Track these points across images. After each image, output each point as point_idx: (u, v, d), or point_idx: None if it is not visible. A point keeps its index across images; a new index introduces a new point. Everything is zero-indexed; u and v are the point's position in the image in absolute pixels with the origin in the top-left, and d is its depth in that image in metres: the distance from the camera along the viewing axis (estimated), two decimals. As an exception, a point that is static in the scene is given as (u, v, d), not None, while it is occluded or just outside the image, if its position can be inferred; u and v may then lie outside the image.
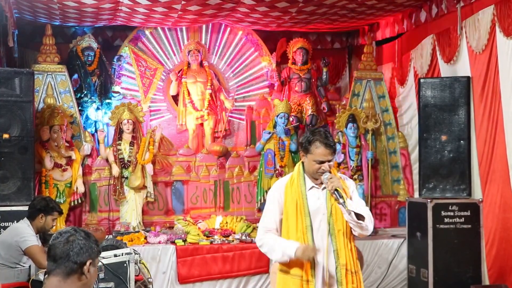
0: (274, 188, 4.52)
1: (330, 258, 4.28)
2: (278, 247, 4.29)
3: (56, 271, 2.71)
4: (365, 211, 4.32)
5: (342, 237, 4.29)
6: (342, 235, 4.29)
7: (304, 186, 4.37)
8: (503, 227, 7.14)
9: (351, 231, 4.33)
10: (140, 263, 5.46)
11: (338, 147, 8.97)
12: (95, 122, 9.12)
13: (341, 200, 4.17)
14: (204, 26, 9.75)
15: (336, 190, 4.18)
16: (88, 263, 2.73)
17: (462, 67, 7.86)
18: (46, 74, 8.63)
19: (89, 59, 9.08)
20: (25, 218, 6.07)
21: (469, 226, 7.56)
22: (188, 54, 9.54)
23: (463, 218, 7.58)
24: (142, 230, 8.33)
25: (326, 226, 4.29)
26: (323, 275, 4.26)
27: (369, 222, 4.31)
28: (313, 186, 4.38)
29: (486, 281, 7.43)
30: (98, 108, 9.11)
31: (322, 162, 4.28)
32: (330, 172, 4.30)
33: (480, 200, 7.56)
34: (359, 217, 4.26)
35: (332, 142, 4.29)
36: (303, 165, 4.42)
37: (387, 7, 8.56)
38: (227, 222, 8.60)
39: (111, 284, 5.00)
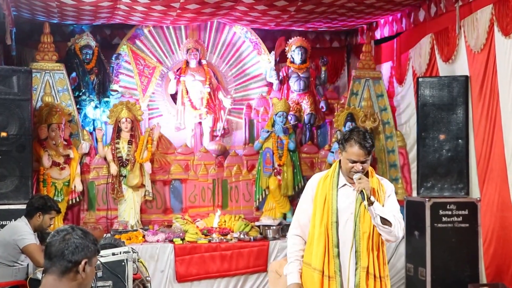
0: (309, 183, 4.56)
1: (352, 259, 4.27)
2: (289, 264, 4.45)
3: (51, 270, 2.70)
4: (394, 217, 4.28)
5: (367, 240, 4.26)
6: (367, 237, 4.26)
7: (336, 183, 4.39)
8: (500, 226, 7.15)
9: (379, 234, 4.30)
10: (138, 261, 5.45)
11: (337, 145, 8.94)
12: (93, 120, 9.12)
13: (365, 202, 4.19)
14: (202, 25, 9.74)
15: (362, 191, 4.19)
16: (83, 262, 2.71)
17: (461, 66, 7.86)
18: (44, 72, 8.61)
19: (87, 58, 9.07)
20: (23, 216, 6.07)
21: (467, 225, 7.57)
22: (187, 52, 9.54)
23: (461, 217, 7.59)
24: (140, 228, 8.33)
25: (352, 226, 4.29)
26: (344, 274, 4.27)
27: (398, 229, 4.27)
28: (345, 184, 4.38)
29: (483, 279, 7.44)
30: (96, 107, 9.10)
31: (355, 162, 4.28)
32: (362, 173, 4.29)
33: (478, 199, 7.56)
34: (386, 222, 4.23)
35: (368, 143, 4.26)
36: (340, 163, 4.44)
37: (386, 6, 8.56)
38: (225, 221, 8.61)
39: (109, 282, 4.98)
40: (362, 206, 4.27)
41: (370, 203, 4.19)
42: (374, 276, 4.26)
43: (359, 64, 9.58)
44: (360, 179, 4.22)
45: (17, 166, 7.35)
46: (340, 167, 4.42)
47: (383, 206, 4.29)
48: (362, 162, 4.28)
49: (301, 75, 9.74)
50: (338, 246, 4.27)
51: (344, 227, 4.30)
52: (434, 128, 7.89)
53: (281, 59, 10.04)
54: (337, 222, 4.30)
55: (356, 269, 4.25)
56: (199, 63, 9.59)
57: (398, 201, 9.07)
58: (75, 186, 8.43)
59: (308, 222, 4.43)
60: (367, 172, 4.39)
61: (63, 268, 2.69)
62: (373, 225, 4.26)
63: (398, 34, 9.50)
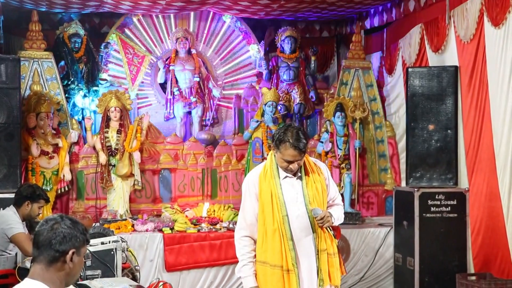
0: (248, 180, 4.51)
1: (311, 245, 4.31)
2: (242, 267, 4.43)
3: (39, 258, 2.69)
4: (341, 212, 4.53)
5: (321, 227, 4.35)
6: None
7: (278, 176, 4.38)
8: (488, 216, 7.19)
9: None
10: (127, 251, 5.45)
11: (326, 135, 8.98)
12: (82, 109, 9.08)
13: (331, 233, 4.36)
14: (192, 14, 9.71)
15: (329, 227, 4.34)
16: (70, 252, 2.69)
17: (450, 56, 7.87)
18: (32, 60, 8.56)
19: (76, 46, 9.03)
20: (12, 205, 6.04)
21: (455, 215, 7.60)
22: (176, 41, 9.51)
23: (449, 207, 7.62)
24: (129, 218, 8.32)
25: (306, 215, 4.31)
26: (302, 265, 4.30)
27: (343, 217, 4.56)
28: (286, 176, 4.38)
29: (471, 269, 7.48)
30: (85, 96, 9.06)
31: (290, 162, 4.28)
32: (296, 170, 4.35)
33: (467, 189, 7.59)
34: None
35: (302, 143, 4.23)
36: (274, 156, 4.42)
37: (376, -4, 8.57)
38: (214, 210, 8.60)
39: (98, 271, 4.98)
40: (309, 192, 4.34)
41: (334, 236, 4.39)
42: (333, 254, 4.38)
43: (349, 54, 9.59)
44: (321, 219, 4.26)
45: (5, 155, 7.32)
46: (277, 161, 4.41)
47: (325, 190, 4.43)
48: (298, 161, 4.30)
49: (290, 65, 9.73)
50: (292, 239, 4.28)
51: (297, 217, 4.31)
52: (424, 118, 7.90)
53: (271, 48, 10.03)
54: (287, 215, 4.30)
55: (317, 254, 4.30)
56: (189, 52, 9.56)
57: (387, 191, 9.18)
58: (64, 175, 8.40)
59: (255, 220, 4.40)
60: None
61: (50, 257, 2.68)
62: (324, 209, 4.38)
63: (388, 24, 9.50)
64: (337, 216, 4.44)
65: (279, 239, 4.27)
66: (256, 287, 4.35)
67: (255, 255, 4.39)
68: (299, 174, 4.39)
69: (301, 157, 4.28)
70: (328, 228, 4.35)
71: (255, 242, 4.41)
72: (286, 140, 4.22)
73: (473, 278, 7.09)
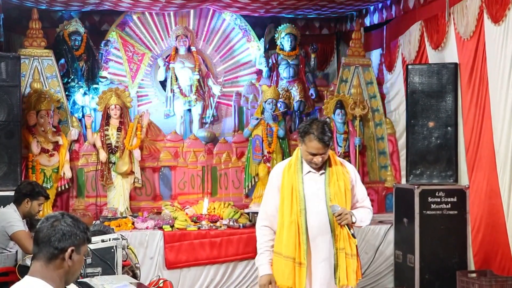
0: (273, 173, 4.60)
1: (328, 242, 4.37)
2: (259, 255, 4.49)
3: (39, 256, 2.69)
4: (367, 214, 4.57)
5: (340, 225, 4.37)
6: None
7: (301, 171, 4.44)
8: (489, 213, 7.19)
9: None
10: (127, 248, 5.45)
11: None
12: (82, 107, 9.08)
13: (351, 232, 4.37)
14: (192, 11, 9.70)
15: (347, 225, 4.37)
16: (69, 250, 2.69)
17: (450, 53, 7.87)
18: (32, 58, 8.56)
19: (76, 44, 9.03)
20: (12, 203, 6.05)
21: (456, 212, 7.60)
22: (176, 39, 9.50)
23: (449, 204, 7.61)
24: (130, 215, 8.32)
25: (325, 212, 4.36)
26: (315, 260, 4.35)
27: (370, 220, 4.62)
28: (310, 171, 4.44)
29: (471, 266, 7.49)
30: (85, 93, 9.06)
31: (314, 154, 4.33)
32: (322, 162, 4.38)
33: (467, 186, 7.59)
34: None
35: (327, 137, 4.29)
36: (301, 150, 4.48)
37: (376, -7, 8.56)
38: (214, 208, 8.60)
39: (98, 269, 4.98)
40: (330, 190, 4.38)
41: (354, 236, 4.40)
42: (351, 255, 4.40)
43: (348, 51, 9.58)
44: (339, 215, 4.30)
45: (5, 153, 7.32)
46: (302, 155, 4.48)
47: (349, 190, 4.46)
48: (322, 154, 4.34)
49: (290, 62, 9.73)
50: (307, 233, 4.34)
51: (317, 213, 4.36)
52: (423, 115, 7.90)
53: (271, 46, 10.02)
54: (305, 209, 4.36)
55: (335, 252, 4.35)
56: (189, 50, 9.56)
57: (387, 188, 9.18)
58: (64, 173, 8.41)
59: (276, 212, 4.46)
60: (328, 157, 4.46)
61: (49, 254, 2.68)
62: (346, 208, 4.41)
63: (388, 21, 9.50)
64: (361, 217, 4.48)
65: (294, 232, 4.34)
66: (269, 274, 4.40)
67: (273, 245, 4.46)
68: (323, 171, 4.43)
69: (324, 151, 4.33)
70: (347, 227, 4.37)
71: (274, 233, 4.48)
72: (311, 132, 4.29)
73: (474, 275, 7.10)
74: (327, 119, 8.63)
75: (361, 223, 4.50)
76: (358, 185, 4.59)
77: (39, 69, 8.57)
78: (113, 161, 8.53)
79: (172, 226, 8.02)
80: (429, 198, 7.62)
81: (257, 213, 8.29)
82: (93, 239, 5.04)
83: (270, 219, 4.49)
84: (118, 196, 8.48)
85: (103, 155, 8.47)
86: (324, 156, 4.36)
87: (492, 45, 6.97)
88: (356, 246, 4.49)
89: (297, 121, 9.69)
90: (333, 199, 4.36)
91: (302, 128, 4.40)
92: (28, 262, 5.24)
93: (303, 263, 4.31)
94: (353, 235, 4.41)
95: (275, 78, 9.79)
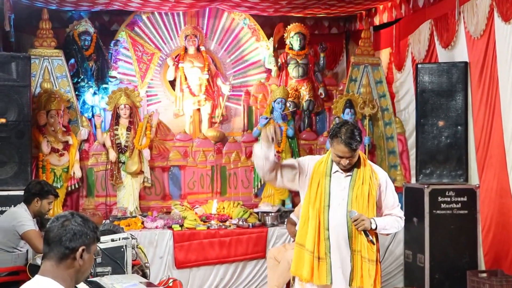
0: (310, 159, 4.69)
1: (346, 243, 4.43)
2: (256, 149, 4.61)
3: (49, 255, 2.70)
4: (394, 222, 4.57)
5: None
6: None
7: (330, 168, 4.52)
8: (499, 212, 7.16)
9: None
10: (137, 248, 5.46)
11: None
12: (92, 107, 9.10)
13: (369, 238, 4.39)
14: (201, 11, 9.71)
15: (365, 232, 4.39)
16: (80, 250, 2.70)
17: (460, 52, 7.84)
18: (42, 58, 8.59)
19: (86, 44, 9.04)
20: (22, 202, 6.07)
21: (466, 211, 7.59)
22: (185, 39, 9.51)
23: (459, 204, 7.60)
24: (139, 215, 8.34)
25: (344, 212, 4.43)
26: (334, 256, 4.42)
27: (399, 227, 4.62)
28: (337, 171, 4.52)
29: (482, 266, 7.46)
30: (95, 93, 9.08)
31: (341, 157, 4.41)
32: (351, 165, 4.46)
33: (477, 185, 7.57)
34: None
35: (354, 141, 4.34)
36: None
37: (385, -8, 8.54)
38: (224, 207, 8.62)
39: (108, 268, 4.99)
40: (353, 193, 4.45)
41: (372, 243, 4.41)
42: (369, 260, 4.42)
43: (358, 51, 9.57)
44: (355, 221, 4.35)
45: (16, 153, 7.35)
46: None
47: (374, 196, 4.47)
48: (348, 157, 4.40)
49: (299, 62, 9.72)
50: (328, 229, 4.41)
51: (336, 212, 4.44)
52: (433, 114, 7.89)
53: (280, 45, 10.01)
54: (329, 206, 4.44)
55: (351, 254, 4.41)
56: (198, 49, 9.56)
57: (397, 188, 9.15)
58: (74, 173, 8.43)
59: (291, 165, 4.62)
60: (359, 159, 4.52)
61: (60, 254, 2.69)
62: (365, 213, 4.43)
63: (397, 20, 9.47)
64: (384, 224, 4.50)
65: (317, 226, 4.43)
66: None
67: (278, 162, 4.63)
68: (350, 173, 4.50)
69: (351, 155, 4.39)
70: (364, 233, 4.39)
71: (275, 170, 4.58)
72: (339, 136, 4.37)
73: (484, 275, 7.08)
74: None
75: (385, 230, 4.52)
76: (389, 192, 4.60)
77: (49, 69, 8.60)
78: (122, 161, 8.55)
79: (181, 226, 8.03)
80: (439, 198, 7.61)
81: (266, 212, 8.37)
82: (103, 238, 5.04)
83: (285, 164, 4.64)
84: (127, 196, 8.50)
85: (112, 155, 8.49)
86: (352, 160, 4.43)
87: (503, 43, 6.94)
88: (378, 252, 4.52)
89: (306, 120, 9.68)
90: (354, 202, 4.41)
91: (331, 130, 4.50)
92: (38, 261, 5.25)
93: (323, 257, 4.39)
94: (371, 242, 4.43)
95: (284, 78, 9.78)
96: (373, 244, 4.45)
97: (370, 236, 4.41)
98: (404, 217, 4.68)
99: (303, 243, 4.47)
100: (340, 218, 4.42)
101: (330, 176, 4.49)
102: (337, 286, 4.43)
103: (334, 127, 4.49)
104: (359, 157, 4.52)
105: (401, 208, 4.75)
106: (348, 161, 4.41)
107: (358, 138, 4.36)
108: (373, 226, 4.40)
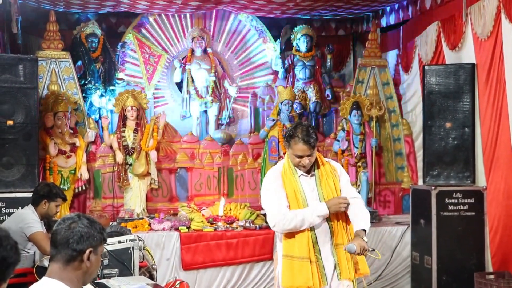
0: (270, 175, 4.64)
1: (328, 239, 4.49)
2: (308, 213, 4.40)
3: (57, 257, 2.71)
4: (364, 212, 4.58)
5: (336, 220, 4.50)
6: (335, 217, 4.50)
7: (296, 174, 4.55)
8: (507, 214, 7.14)
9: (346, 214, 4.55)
10: (144, 249, 5.46)
11: (342, 134, 8.97)
12: (99, 109, 9.13)
13: (370, 250, 4.42)
14: (208, 13, 9.72)
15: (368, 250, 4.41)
16: (88, 251, 2.71)
17: (467, 54, 7.82)
18: (50, 60, 8.62)
19: (93, 46, 9.07)
20: (30, 204, 6.08)
21: (473, 213, 7.56)
22: (192, 41, 9.53)
23: (467, 206, 7.58)
24: (146, 217, 8.35)
25: None
26: (324, 257, 4.47)
27: (368, 213, 4.62)
28: (301, 174, 4.56)
29: (489, 268, 7.44)
30: (102, 95, 9.11)
31: (301, 157, 4.44)
32: (309, 165, 4.49)
33: (484, 187, 7.55)
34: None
35: (312, 138, 4.39)
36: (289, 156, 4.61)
37: (392, -6, 8.53)
38: (231, 209, 8.61)
39: (115, 270, 4.99)
40: (323, 190, 4.49)
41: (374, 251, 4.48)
42: None
43: (365, 52, 9.56)
44: (358, 254, 4.34)
45: (23, 155, 7.36)
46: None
47: (339, 188, 4.54)
48: (308, 156, 4.43)
49: (306, 64, 9.72)
50: (315, 233, 4.46)
51: None
52: (440, 116, 7.87)
53: (287, 47, 10.01)
54: None
55: (332, 248, 4.48)
56: (205, 51, 9.58)
57: (404, 189, 9.14)
58: (81, 174, 8.45)
59: (287, 204, 4.49)
60: (316, 159, 4.56)
61: (67, 256, 2.70)
62: None
63: (404, 22, 9.46)
64: (365, 222, 4.51)
65: (306, 232, 4.44)
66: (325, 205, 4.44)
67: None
68: (313, 173, 4.56)
69: (310, 152, 4.43)
70: (369, 251, 4.42)
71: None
72: (296, 135, 4.41)
73: (492, 277, 7.05)
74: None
75: (367, 226, 4.53)
76: (343, 177, 4.65)
77: (56, 71, 8.63)
78: (129, 163, 8.56)
79: (188, 227, 8.03)
80: (446, 199, 7.59)
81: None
82: (110, 240, 5.05)
83: (286, 207, 4.49)
84: (134, 198, 8.51)
85: (119, 157, 8.50)
86: (311, 158, 4.47)
87: (510, 45, 6.92)
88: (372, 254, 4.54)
89: (313, 122, 9.68)
90: (326, 199, 4.45)
91: (287, 132, 4.52)
92: (46, 263, 5.26)
93: (313, 261, 4.42)
94: (373, 250, 4.46)
95: (291, 79, 9.78)
96: (374, 250, 4.49)
97: (370, 248, 4.44)
98: (359, 195, 4.73)
99: (292, 254, 4.45)
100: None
101: (300, 180, 4.52)
102: (331, 284, 4.48)
103: (288, 129, 4.54)
104: (316, 157, 4.55)
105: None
106: (308, 160, 4.44)
107: (314, 136, 4.42)
108: (366, 239, 4.41)
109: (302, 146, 4.39)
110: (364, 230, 4.45)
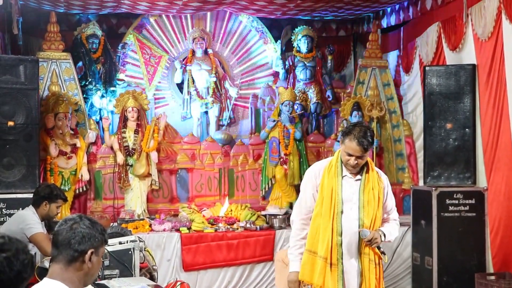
0: (312, 171, 4.67)
1: (354, 248, 4.47)
2: (293, 248, 4.63)
3: (58, 258, 2.71)
4: (395, 228, 4.64)
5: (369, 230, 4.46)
6: (368, 228, 4.45)
7: (341, 173, 4.53)
8: (507, 215, 7.13)
9: (379, 225, 4.53)
10: (145, 250, 5.47)
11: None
12: (100, 109, 9.13)
13: (381, 250, 4.48)
14: (208, 14, 9.72)
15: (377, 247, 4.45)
16: (89, 252, 2.72)
17: (468, 54, 7.82)
18: (50, 61, 8.61)
19: (94, 47, 9.07)
20: (30, 205, 6.08)
21: (474, 214, 7.57)
22: (193, 41, 9.53)
23: (467, 206, 7.58)
24: (147, 217, 8.35)
25: (356, 217, 4.46)
26: (346, 262, 4.46)
27: (397, 233, 4.71)
28: (346, 175, 4.53)
29: (490, 269, 7.44)
30: (102, 96, 9.11)
31: (351, 155, 4.42)
32: (358, 167, 4.48)
33: (485, 188, 7.55)
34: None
35: (367, 141, 4.37)
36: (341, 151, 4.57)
37: (393, -5, 8.53)
38: (231, 210, 8.62)
39: (116, 271, 5.00)
40: (364, 197, 4.46)
41: (384, 253, 4.51)
42: (374, 262, 4.48)
43: (365, 53, 9.56)
44: (369, 241, 4.38)
45: (24, 155, 7.36)
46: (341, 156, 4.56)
47: (382, 200, 4.53)
48: (358, 157, 4.41)
49: (307, 64, 9.72)
50: (341, 235, 4.43)
51: (348, 217, 4.46)
52: (441, 117, 7.87)
53: (287, 48, 10.01)
54: (342, 212, 4.46)
55: (360, 257, 4.45)
56: (205, 52, 9.58)
57: (405, 190, 9.15)
58: (82, 175, 8.45)
59: (312, 209, 4.57)
60: (367, 163, 4.55)
61: (69, 257, 2.70)
62: (374, 218, 4.46)
63: (405, 23, 9.46)
64: (389, 232, 4.55)
65: (330, 233, 4.43)
66: (297, 272, 4.54)
67: (305, 242, 4.57)
68: (360, 177, 4.52)
69: (361, 154, 4.40)
70: (377, 248, 4.45)
71: (307, 228, 4.59)
72: (353, 133, 4.39)
73: (492, 277, 7.05)
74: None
75: (390, 237, 4.57)
76: (389, 196, 4.66)
77: (57, 72, 8.62)
78: (130, 163, 8.57)
79: (189, 228, 8.04)
80: (447, 200, 7.60)
81: (274, 215, 8.36)
82: (111, 241, 5.05)
83: (306, 215, 4.59)
84: (135, 198, 8.52)
85: (120, 158, 8.51)
86: (360, 161, 4.44)
87: (511, 46, 6.91)
88: (380, 257, 4.55)
89: (314, 123, 9.68)
90: (366, 206, 4.44)
91: (345, 128, 4.55)
92: (46, 264, 5.26)
93: (335, 263, 4.41)
94: (382, 253, 4.49)
95: (292, 80, 9.78)
96: (384, 254, 4.51)
97: (382, 248, 4.47)
98: (398, 219, 4.75)
99: (315, 250, 4.47)
100: (352, 223, 4.44)
101: (342, 179, 4.51)
102: None
103: (348, 125, 4.57)
104: (366, 162, 4.53)
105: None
106: (356, 162, 4.42)
107: (370, 139, 4.39)
108: (383, 239, 4.45)
109: (355, 146, 4.36)
110: (385, 235, 4.47)
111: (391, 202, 4.66)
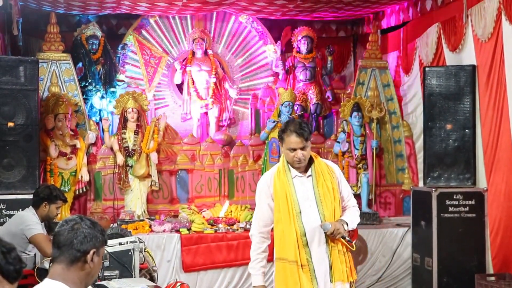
0: (262, 182, 4.66)
1: (323, 242, 4.44)
2: (254, 262, 4.65)
3: (60, 259, 2.71)
4: (355, 214, 4.63)
5: (331, 221, 4.47)
6: (330, 219, 4.45)
7: (290, 175, 4.52)
8: (507, 216, 7.14)
9: (340, 215, 4.53)
10: (144, 251, 5.47)
11: (343, 135, 8.97)
12: (100, 110, 9.12)
13: (346, 239, 4.46)
14: (208, 15, 9.73)
15: (342, 236, 4.44)
16: (91, 252, 2.72)
17: (468, 55, 7.82)
18: (50, 62, 8.62)
19: (94, 48, 9.06)
20: (30, 206, 6.08)
21: (474, 215, 7.57)
22: (193, 42, 9.53)
23: (467, 207, 7.58)
24: (147, 218, 8.35)
25: (316, 213, 4.45)
26: (315, 260, 4.44)
27: (359, 219, 4.68)
28: (297, 175, 4.53)
29: (490, 270, 7.44)
30: (102, 97, 9.10)
31: (294, 150, 4.43)
32: (304, 160, 4.47)
33: (485, 189, 7.55)
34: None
35: (304, 130, 4.40)
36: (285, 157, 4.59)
37: (392, -5, 8.53)
38: (231, 211, 8.62)
39: (116, 272, 5.00)
40: (319, 191, 4.48)
41: (350, 242, 4.49)
42: (343, 252, 4.49)
43: (365, 54, 9.56)
44: (332, 233, 4.37)
45: (24, 156, 7.37)
46: (287, 161, 4.56)
47: (336, 189, 4.53)
48: (302, 149, 4.43)
49: (307, 65, 9.72)
50: (305, 235, 4.43)
51: (309, 216, 4.45)
52: (441, 117, 7.87)
53: (287, 49, 10.02)
54: (300, 212, 4.45)
55: (329, 251, 4.44)
56: (205, 53, 9.58)
57: (405, 191, 9.14)
58: (81, 176, 8.45)
59: (270, 221, 4.57)
60: (313, 160, 4.56)
61: (71, 257, 2.70)
62: (333, 209, 4.47)
63: (405, 24, 9.46)
64: (351, 219, 4.55)
65: (294, 235, 4.42)
66: (262, 286, 4.57)
67: (266, 255, 4.61)
68: (309, 174, 4.53)
69: (303, 144, 4.42)
70: (342, 238, 4.44)
71: (268, 241, 4.62)
72: (288, 129, 4.43)
73: (492, 278, 7.05)
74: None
75: (353, 225, 4.56)
76: (343, 184, 4.66)
77: (57, 73, 8.63)
78: (130, 164, 8.57)
79: (189, 229, 8.03)
80: (446, 201, 7.60)
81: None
82: (111, 242, 5.05)
83: (265, 228, 4.60)
84: (135, 199, 8.52)
85: (120, 158, 8.50)
86: (305, 153, 4.44)
87: (511, 46, 6.92)
88: (347, 247, 4.55)
89: (314, 124, 9.68)
90: (323, 200, 4.44)
91: (280, 129, 4.54)
92: (46, 265, 5.27)
93: (305, 264, 4.41)
94: (349, 242, 4.48)
95: (292, 81, 9.78)
96: (351, 242, 4.49)
97: (347, 237, 4.46)
98: (357, 205, 4.76)
99: (284, 256, 4.46)
100: (314, 221, 4.42)
101: (293, 181, 4.50)
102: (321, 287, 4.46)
103: (282, 126, 4.57)
104: (311, 157, 4.54)
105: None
106: (302, 154, 4.42)
107: (306, 129, 4.43)
108: (346, 228, 4.44)
109: (295, 138, 4.39)
110: (347, 224, 4.46)
111: (346, 189, 4.66)
